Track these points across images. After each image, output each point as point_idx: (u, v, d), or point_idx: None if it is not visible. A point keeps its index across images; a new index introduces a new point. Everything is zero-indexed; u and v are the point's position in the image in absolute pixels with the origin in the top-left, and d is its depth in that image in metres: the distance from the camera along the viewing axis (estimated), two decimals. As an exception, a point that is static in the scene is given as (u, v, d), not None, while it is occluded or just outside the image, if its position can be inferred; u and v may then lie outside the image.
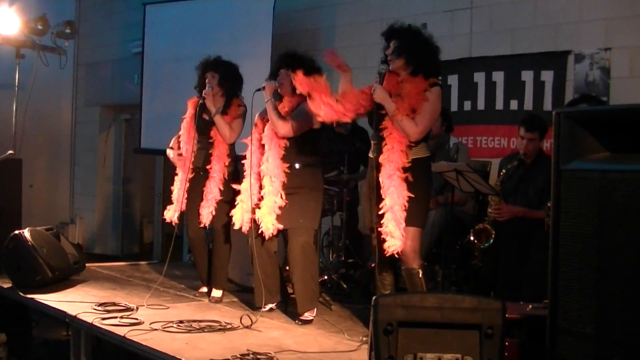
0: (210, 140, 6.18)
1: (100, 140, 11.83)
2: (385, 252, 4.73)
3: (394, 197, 4.69)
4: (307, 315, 5.40)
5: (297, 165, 5.48)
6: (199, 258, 6.46)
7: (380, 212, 4.75)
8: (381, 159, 4.77)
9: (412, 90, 4.75)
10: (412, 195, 4.69)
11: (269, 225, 5.39)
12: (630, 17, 6.25)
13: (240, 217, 5.60)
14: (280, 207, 5.39)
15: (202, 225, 6.22)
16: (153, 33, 9.53)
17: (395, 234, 4.68)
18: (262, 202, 5.45)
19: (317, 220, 5.61)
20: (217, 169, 6.13)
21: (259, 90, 5.52)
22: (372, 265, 5.15)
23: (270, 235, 5.45)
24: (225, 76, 6.23)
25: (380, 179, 4.77)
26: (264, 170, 5.46)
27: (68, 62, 10.40)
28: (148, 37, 9.57)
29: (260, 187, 5.51)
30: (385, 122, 4.79)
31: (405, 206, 4.69)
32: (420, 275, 4.79)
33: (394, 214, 4.69)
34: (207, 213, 6.13)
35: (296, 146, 5.47)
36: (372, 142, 4.98)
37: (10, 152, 8.02)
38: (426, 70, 4.82)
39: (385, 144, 4.77)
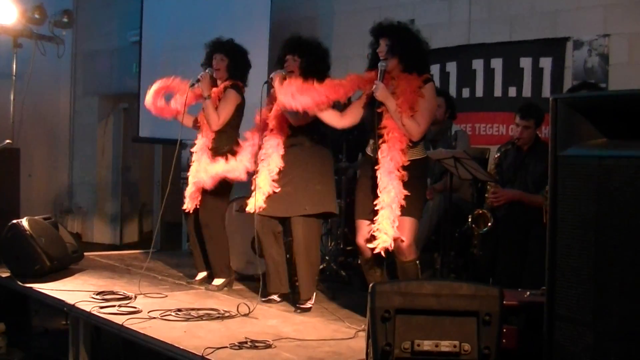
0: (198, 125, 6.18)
1: (98, 130, 11.82)
2: (374, 248, 4.73)
3: (391, 195, 4.68)
4: (306, 303, 5.40)
5: (307, 143, 5.43)
6: (193, 244, 6.42)
7: (376, 208, 4.75)
8: (380, 156, 4.75)
9: (407, 88, 4.74)
10: (409, 194, 4.69)
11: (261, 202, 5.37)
12: (628, 3, 6.25)
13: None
14: (276, 187, 5.37)
15: (185, 210, 6.14)
16: (151, 22, 9.51)
17: (389, 232, 4.68)
18: (259, 181, 5.42)
19: (325, 204, 5.46)
20: (200, 152, 6.05)
21: (267, 82, 5.42)
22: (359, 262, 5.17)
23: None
24: (235, 63, 6.13)
25: (379, 175, 4.75)
26: (262, 154, 5.43)
27: (66, 51, 10.39)
28: (146, 26, 9.55)
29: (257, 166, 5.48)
30: (385, 121, 4.77)
31: (402, 205, 4.68)
32: (417, 267, 4.77)
33: (389, 212, 4.68)
34: (191, 199, 6.07)
35: (306, 125, 5.40)
36: (370, 140, 4.94)
37: (7, 141, 8.01)
38: (418, 67, 4.82)
39: (385, 142, 4.75)
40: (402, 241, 4.74)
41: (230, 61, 6.10)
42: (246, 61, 6.22)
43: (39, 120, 11.26)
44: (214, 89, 6.04)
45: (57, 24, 9.74)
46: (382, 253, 4.75)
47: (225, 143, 6.05)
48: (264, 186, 5.40)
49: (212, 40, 6.22)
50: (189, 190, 6.09)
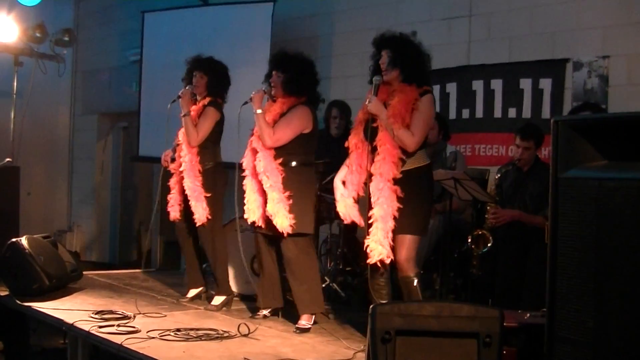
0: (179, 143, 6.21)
1: (98, 148, 11.82)
2: (370, 258, 4.74)
3: (383, 207, 4.68)
4: (305, 324, 5.39)
5: (293, 163, 5.41)
6: (191, 259, 6.45)
7: (370, 222, 4.76)
8: (372, 169, 4.76)
9: (403, 100, 4.74)
10: (401, 206, 4.68)
11: (284, 223, 5.32)
12: (627, 24, 6.26)
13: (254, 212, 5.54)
14: (286, 203, 5.32)
15: (199, 224, 6.11)
16: (151, 41, 9.52)
17: (383, 243, 4.68)
18: (267, 201, 5.37)
19: (309, 224, 5.47)
20: (189, 167, 6.06)
21: (246, 103, 5.43)
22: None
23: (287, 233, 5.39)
24: (214, 80, 6.17)
25: (371, 189, 4.76)
26: (259, 170, 5.40)
27: (66, 69, 10.42)
28: (146, 45, 9.56)
29: (263, 191, 5.43)
30: (380, 134, 4.77)
31: (394, 216, 4.67)
32: (415, 283, 4.77)
33: (383, 224, 4.68)
34: (201, 210, 6.05)
35: (289, 145, 5.41)
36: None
37: (8, 159, 8.02)
38: (418, 79, 4.83)
39: (378, 155, 4.76)
40: (400, 257, 4.74)
41: (209, 79, 6.16)
42: (226, 78, 6.28)
43: (38, 138, 11.27)
44: (193, 107, 6.10)
45: (57, 42, 9.77)
46: (379, 264, 4.75)
47: (209, 159, 6.10)
48: (282, 202, 5.34)
49: (192, 57, 6.30)
50: (197, 206, 6.07)
